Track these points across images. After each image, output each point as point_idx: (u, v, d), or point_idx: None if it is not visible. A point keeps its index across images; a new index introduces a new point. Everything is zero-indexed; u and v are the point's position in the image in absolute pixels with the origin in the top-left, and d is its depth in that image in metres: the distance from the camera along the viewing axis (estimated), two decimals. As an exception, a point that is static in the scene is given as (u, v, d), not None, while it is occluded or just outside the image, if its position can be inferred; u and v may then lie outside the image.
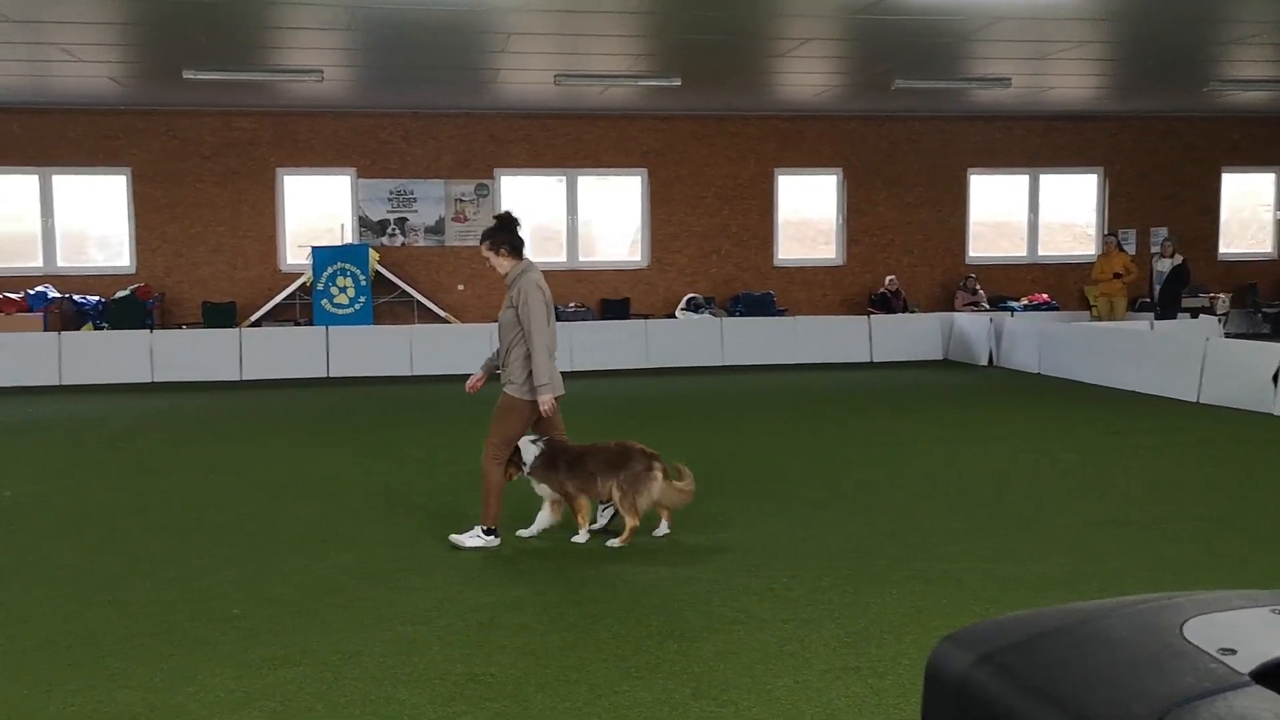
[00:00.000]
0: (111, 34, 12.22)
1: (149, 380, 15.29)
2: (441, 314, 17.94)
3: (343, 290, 17.16)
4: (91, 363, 15.29)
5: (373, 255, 17.40)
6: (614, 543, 6.66)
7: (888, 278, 19.30)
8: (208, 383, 15.22)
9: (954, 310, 19.03)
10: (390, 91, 16.28)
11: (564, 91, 16.14)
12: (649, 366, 16.65)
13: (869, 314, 18.41)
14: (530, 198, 19.04)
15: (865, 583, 5.90)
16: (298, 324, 17.29)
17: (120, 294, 17.11)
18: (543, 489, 6.82)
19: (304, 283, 17.47)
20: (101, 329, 16.57)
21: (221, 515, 7.58)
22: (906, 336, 17.70)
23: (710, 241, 19.35)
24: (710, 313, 18.45)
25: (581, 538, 6.76)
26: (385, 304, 17.96)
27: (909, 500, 7.89)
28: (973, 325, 17.35)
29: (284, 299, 17.55)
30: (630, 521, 6.62)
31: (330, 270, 17.10)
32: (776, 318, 18.09)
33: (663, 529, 6.87)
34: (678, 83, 14.95)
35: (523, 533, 6.86)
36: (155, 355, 15.46)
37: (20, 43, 12.43)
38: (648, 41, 12.93)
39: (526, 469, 6.69)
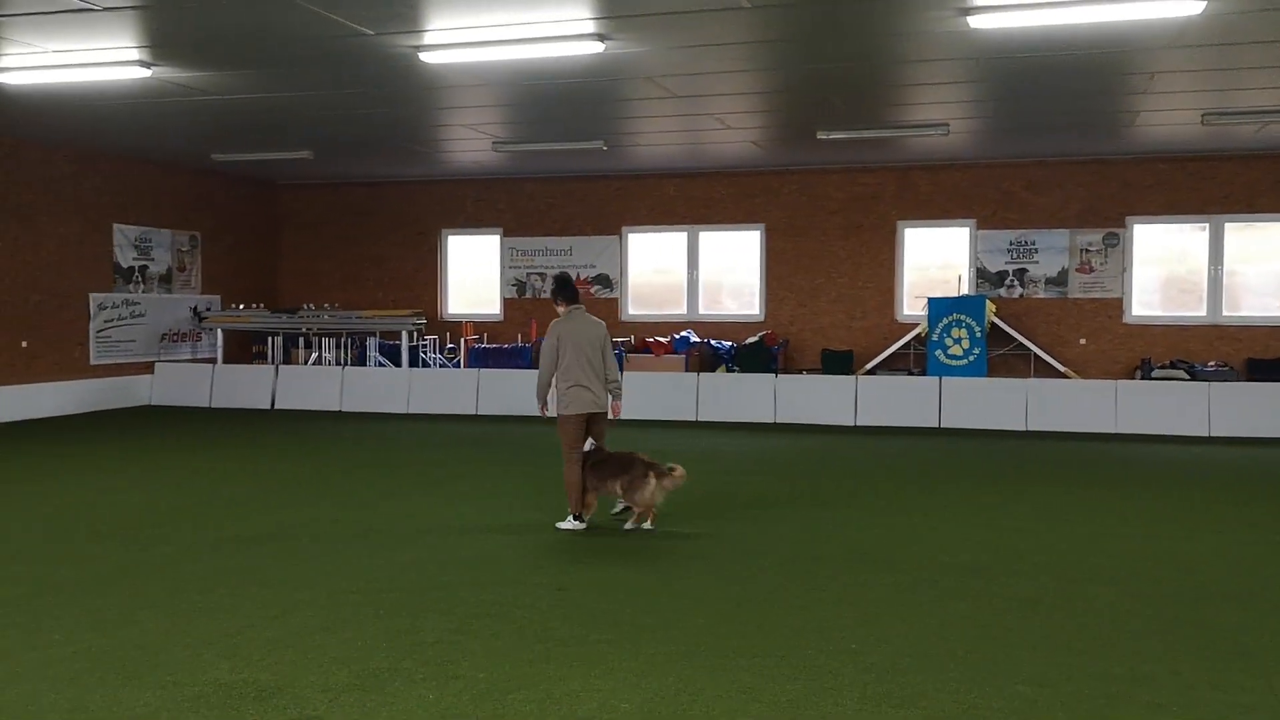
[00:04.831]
0: (758, 102, 13.37)
1: (771, 420, 16.37)
2: (1060, 368, 17.18)
3: (957, 341, 17.12)
4: (722, 401, 16.71)
5: (989, 306, 17.16)
6: (629, 525, 8.60)
7: None
8: (823, 425, 15.95)
9: None
10: (1015, 141, 16.02)
11: (1211, 131, 14.77)
12: (1308, 436, 14.58)
13: None
14: (1164, 245, 17.65)
15: None
16: (911, 373, 17.52)
17: (750, 340, 18.59)
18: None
19: (919, 333, 17.69)
20: (732, 371, 18.10)
21: (829, 548, 7.86)
22: None
23: (1392, 295, 16.52)
24: (1389, 378, 15.72)
25: (568, 524, 8.61)
26: (1000, 356, 17.61)
27: None
28: None
29: (899, 348, 17.91)
30: (639, 510, 8.57)
31: (945, 321, 17.15)
32: None
33: (647, 524, 8.58)
34: (1356, 112, 13.02)
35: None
36: (778, 397, 16.53)
37: (683, 115, 14.06)
38: (1320, 68, 11.40)
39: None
